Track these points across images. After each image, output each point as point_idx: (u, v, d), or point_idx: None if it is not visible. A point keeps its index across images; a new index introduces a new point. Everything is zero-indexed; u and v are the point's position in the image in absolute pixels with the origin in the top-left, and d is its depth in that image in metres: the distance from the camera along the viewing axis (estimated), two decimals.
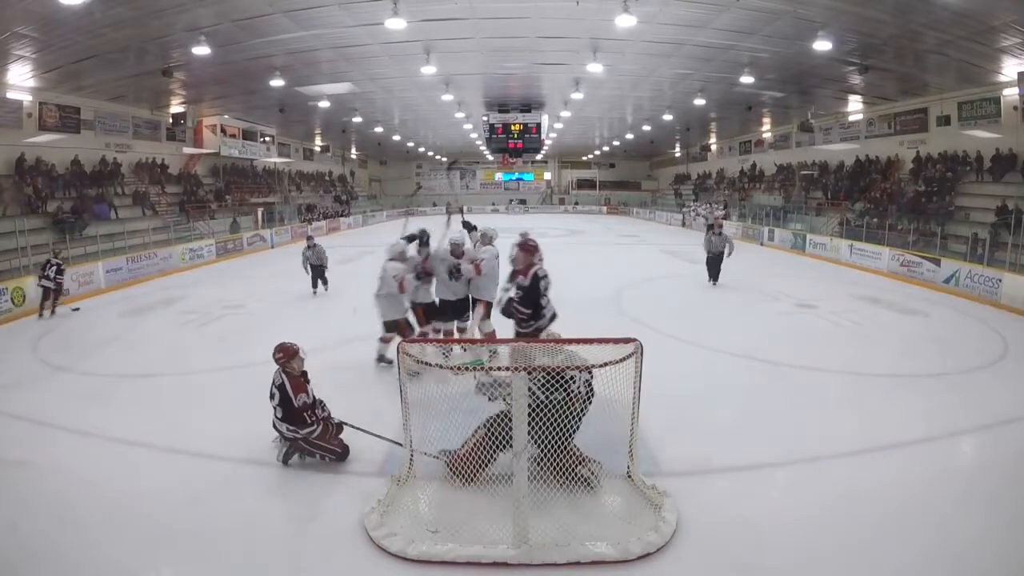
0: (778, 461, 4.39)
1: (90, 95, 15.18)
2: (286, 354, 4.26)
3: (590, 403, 3.79)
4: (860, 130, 19.70)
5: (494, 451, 3.73)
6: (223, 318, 9.28)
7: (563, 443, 3.61)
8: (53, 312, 9.74)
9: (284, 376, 4.22)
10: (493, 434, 3.74)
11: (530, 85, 19.00)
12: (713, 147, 31.54)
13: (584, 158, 41.86)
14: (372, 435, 4.42)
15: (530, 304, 5.05)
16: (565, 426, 3.58)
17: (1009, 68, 12.41)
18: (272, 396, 4.23)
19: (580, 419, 3.78)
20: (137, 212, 17.03)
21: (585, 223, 31.21)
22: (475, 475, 3.72)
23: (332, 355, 6.55)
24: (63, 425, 5.07)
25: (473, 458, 3.75)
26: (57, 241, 12.75)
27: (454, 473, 3.83)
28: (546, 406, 3.47)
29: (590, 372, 3.66)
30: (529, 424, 3.33)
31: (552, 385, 3.49)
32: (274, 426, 4.28)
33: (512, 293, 5.12)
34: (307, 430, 4.19)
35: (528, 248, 5.14)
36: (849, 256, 15.46)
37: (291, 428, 4.19)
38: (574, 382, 3.62)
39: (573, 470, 3.76)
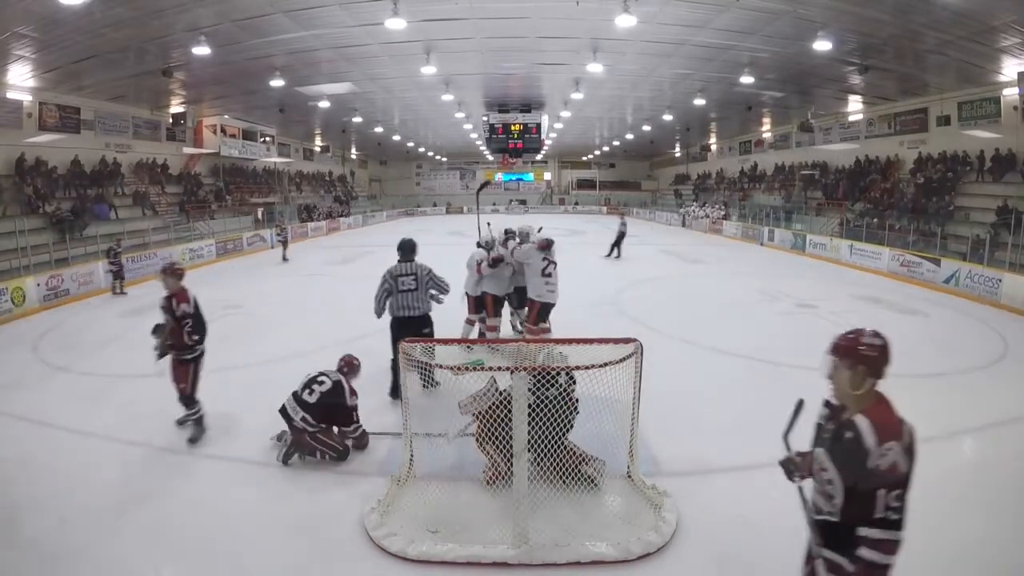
0: (778, 461, 4.38)
1: (90, 95, 15.18)
2: (352, 368, 4.63)
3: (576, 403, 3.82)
4: (860, 130, 19.70)
5: (503, 442, 3.75)
6: (223, 318, 9.27)
7: (559, 441, 3.62)
8: (287, 259, 16.49)
9: (344, 378, 4.43)
10: (493, 434, 3.76)
11: (530, 85, 19.00)
12: (713, 147, 31.54)
13: (584, 158, 41.87)
14: (379, 434, 4.47)
15: (201, 328, 4.66)
16: (560, 423, 3.59)
17: (1009, 68, 12.41)
18: (321, 382, 4.33)
19: (573, 416, 3.79)
20: (137, 212, 17.03)
21: (585, 223, 31.19)
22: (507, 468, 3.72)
23: (332, 355, 6.53)
24: (63, 425, 5.07)
25: (500, 461, 3.78)
26: (57, 241, 12.78)
27: (497, 479, 3.86)
28: (539, 405, 3.47)
29: (570, 375, 3.68)
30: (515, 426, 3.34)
31: (542, 383, 3.49)
32: (284, 412, 4.29)
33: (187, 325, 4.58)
34: (350, 428, 4.39)
35: (176, 272, 4.73)
36: (849, 256, 15.47)
37: (308, 419, 4.22)
38: (559, 377, 3.64)
39: (577, 469, 3.77)
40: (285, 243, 17.38)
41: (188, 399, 4.66)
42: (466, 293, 7.08)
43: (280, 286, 12.32)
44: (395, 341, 5.07)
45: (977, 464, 4.66)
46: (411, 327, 5.13)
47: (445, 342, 4.63)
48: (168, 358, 4.65)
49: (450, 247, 12.48)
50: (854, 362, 2.05)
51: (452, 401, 3.87)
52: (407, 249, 5.37)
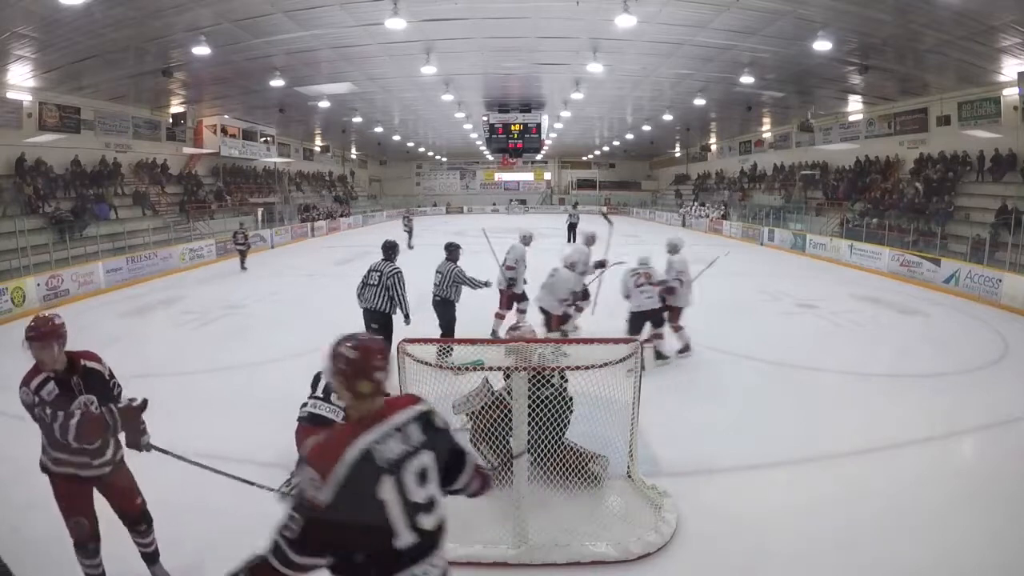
0: (778, 461, 4.39)
1: (90, 95, 15.17)
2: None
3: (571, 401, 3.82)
4: (860, 130, 19.69)
5: (497, 442, 3.75)
6: (223, 318, 9.28)
7: (557, 440, 3.62)
8: (412, 247, 17.35)
9: None
10: (486, 434, 3.76)
11: (530, 85, 19.01)
12: (713, 147, 31.53)
13: (584, 158, 41.84)
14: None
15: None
16: (557, 422, 3.59)
17: (1009, 68, 12.40)
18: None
19: (568, 414, 3.80)
20: (137, 212, 17.02)
21: (585, 223, 31.19)
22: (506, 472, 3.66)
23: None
24: None
25: (493, 461, 3.78)
26: (57, 241, 12.76)
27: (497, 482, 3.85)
28: (535, 405, 3.47)
29: (562, 374, 3.67)
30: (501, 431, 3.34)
31: (537, 384, 3.49)
32: (319, 418, 3.79)
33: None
34: None
35: (62, 333, 2.90)
36: (849, 256, 15.47)
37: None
38: (553, 376, 3.64)
39: (585, 467, 3.78)
40: (411, 232, 19.16)
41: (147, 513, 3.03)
42: (500, 288, 7.28)
43: (280, 286, 12.32)
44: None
45: (977, 464, 4.67)
46: (366, 317, 5.68)
47: (446, 342, 4.62)
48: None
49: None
50: (331, 371, 1.78)
51: (446, 401, 3.87)
52: (386, 249, 5.93)
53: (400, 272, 5.68)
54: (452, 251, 6.50)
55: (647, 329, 6.47)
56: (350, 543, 1.69)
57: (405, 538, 1.72)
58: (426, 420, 1.84)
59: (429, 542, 1.79)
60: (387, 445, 1.71)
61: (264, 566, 1.69)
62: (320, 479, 1.60)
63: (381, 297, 5.61)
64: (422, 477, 1.77)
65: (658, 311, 6.50)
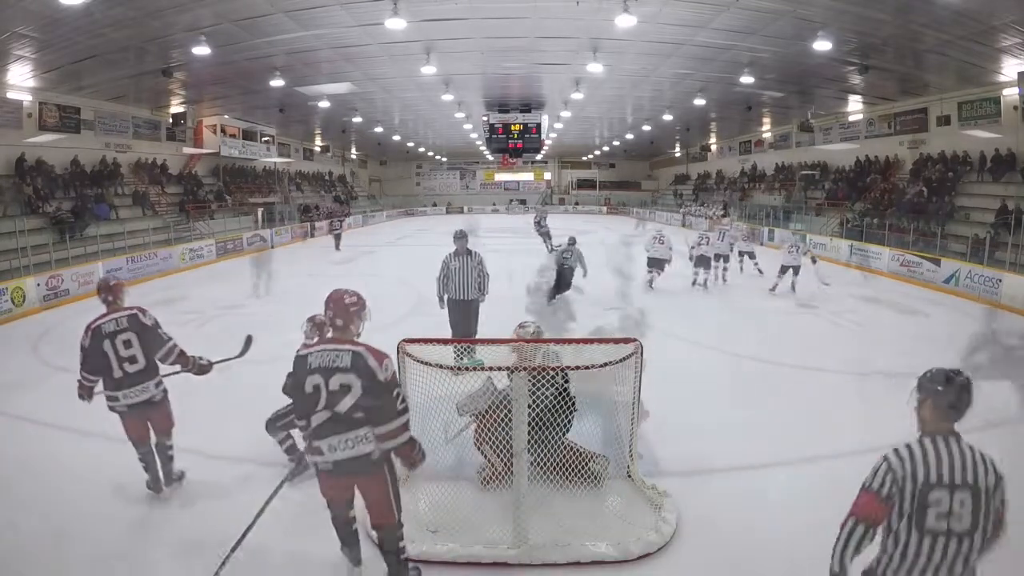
0: (778, 461, 4.39)
1: (90, 95, 15.16)
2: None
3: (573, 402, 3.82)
4: (860, 130, 19.68)
5: (501, 443, 3.75)
6: (223, 318, 9.29)
7: (559, 440, 3.62)
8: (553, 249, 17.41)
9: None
10: (491, 435, 3.76)
11: (530, 85, 19.00)
12: (713, 147, 31.51)
13: (584, 158, 41.82)
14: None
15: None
16: (560, 423, 3.59)
17: (1009, 68, 12.40)
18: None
19: (572, 415, 3.80)
20: (137, 212, 17.02)
21: (585, 223, 31.19)
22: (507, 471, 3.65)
23: None
24: (63, 425, 5.06)
25: (497, 463, 3.78)
26: (57, 241, 12.76)
27: (492, 480, 3.86)
28: (538, 406, 3.47)
29: (565, 376, 3.67)
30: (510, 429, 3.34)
31: (541, 384, 3.50)
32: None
33: None
34: None
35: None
36: (849, 256, 15.47)
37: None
38: (556, 377, 3.65)
39: (585, 466, 3.78)
40: (548, 236, 17.73)
41: None
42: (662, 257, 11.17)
43: (280, 286, 12.31)
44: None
45: None
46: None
47: (446, 342, 4.61)
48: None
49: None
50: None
51: (449, 401, 3.87)
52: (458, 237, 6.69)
53: (444, 260, 6.60)
54: (573, 241, 9.80)
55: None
56: (99, 371, 3.71)
57: (117, 373, 3.69)
58: (134, 316, 3.77)
59: (134, 379, 3.73)
60: (107, 325, 3.70)
61: (80, 384, 3.83)
62: (85, 335, 3.71)
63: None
64: (127, 344, 3.69)
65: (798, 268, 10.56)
